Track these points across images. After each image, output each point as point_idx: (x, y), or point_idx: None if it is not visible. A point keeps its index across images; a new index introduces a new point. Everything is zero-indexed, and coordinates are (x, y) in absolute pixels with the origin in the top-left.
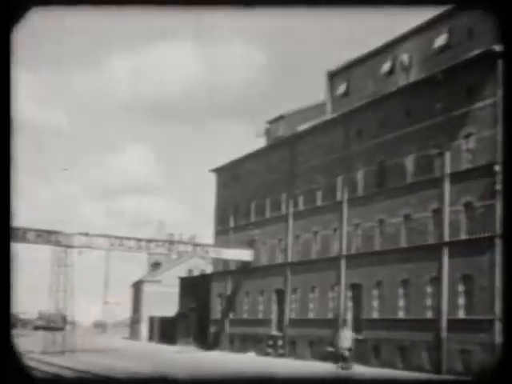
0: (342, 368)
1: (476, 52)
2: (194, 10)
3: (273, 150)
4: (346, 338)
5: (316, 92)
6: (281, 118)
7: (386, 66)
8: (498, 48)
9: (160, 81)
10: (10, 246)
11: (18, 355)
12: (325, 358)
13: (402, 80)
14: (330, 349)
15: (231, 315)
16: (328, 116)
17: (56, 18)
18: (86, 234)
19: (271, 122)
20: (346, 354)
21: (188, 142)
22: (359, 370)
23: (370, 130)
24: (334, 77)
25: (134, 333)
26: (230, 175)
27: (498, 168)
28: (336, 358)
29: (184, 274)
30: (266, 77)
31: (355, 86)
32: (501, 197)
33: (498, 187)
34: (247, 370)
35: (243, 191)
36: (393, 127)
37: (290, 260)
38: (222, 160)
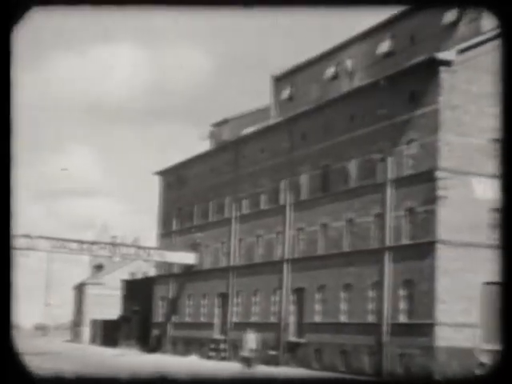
0: (246, 367)
1: (419, 59)
2: (140, 10)
3: (217, 153)
4: (251, 340)
5: (261, 96)
6: (225, 121)
7: (330, 71)
8: (440, 55)
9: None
10: (11, 249)
11: (17, 355)
12: (267, 361)
13: (345, 85)
14: (272, 352)
15: (174, 318)
16: (272, 120)
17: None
18: (28, 236)
19: (216, 125)
20: (251, 355)
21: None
22: (302, 372)
23: (315, 135)
24: (278, 81)
25: (76, 336)
26: (174, 178)
27: (438, 174)
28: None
29: (127, 277)
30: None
31: (300, 90)
32: (441, 202)
33: (439, 193)
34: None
35: (187, 194)
36: (337, 132)
37: (233, 263)
38: (166, 163)
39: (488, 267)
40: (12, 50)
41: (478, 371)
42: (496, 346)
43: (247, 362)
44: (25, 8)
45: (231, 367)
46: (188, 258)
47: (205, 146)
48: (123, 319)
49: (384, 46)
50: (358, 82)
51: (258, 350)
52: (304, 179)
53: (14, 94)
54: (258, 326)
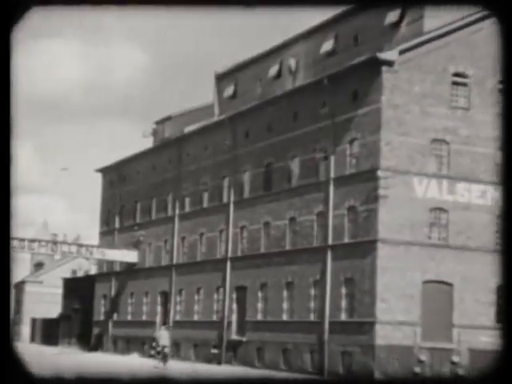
0: (160, 362)
1: (361, 58)
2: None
3: (160, 150)
4: (164, 336)
5: (204, 93)
6: (168, 118)
7: (274, 70)
8: (382, 55)
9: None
10: (10, 248)
11: (17, 355)
12: (209, 359)
13: (289, 84)
14: (214, 350)
15: (115, 317)
16: (215, 118)
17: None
18: None
19: (158, 123)
20: (165, 350)
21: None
22: (246, 371)
23: (257, 133)
24: (221, 79)
25: (15, 334)
26: (116, 175)
27: (380, 173)
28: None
29: (68, 275)
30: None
31: (243, 88)
32: (382, 201)
33: (380, 192)
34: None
35: (129, 192)
36: (280, 130)
37: (175, 262)
38: (109, 160)
39: (428, 266)
40: (12, 50)
41: (417, 369)
42: (434, 344)
43: (161, 357)
44: (25, 8)
45: (175, 366)
46: (130, 256)
47: (148, 143)
48: (64, 317)
49: (327, 45)
50: (301, 80)
51: (170, 346)
52: (247, 177)
53: (13, 94)
54: (201, 325)
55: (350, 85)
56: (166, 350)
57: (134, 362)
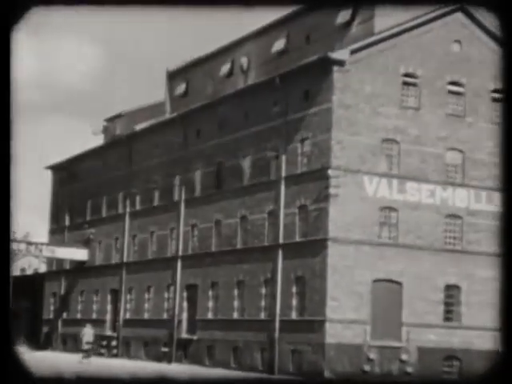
0: (83, 358)
1: (312, 58)
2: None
3: (110, 148)
4: (88, 334)
5: (156, 91)
6: (119, 116)
7: (225, 68)
8: (333, 55)
9: None
10: (9, 245)
11: (17, 355)
12: (159, 358)
13: (240, 82)
14: (165, 349)
15: (64, 315)
16: (167, 116)
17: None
18: None
19: (109, 120)
20: (87, 347)
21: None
22: (195, 370)
23: (209, 131)
24: (173, 77)
25: None
26: (66, 173)
27: (330, 172)
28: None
29: (17, 273)
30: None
31: (194, 86)
32: (333, 200)
33: (331, 191)
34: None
35: (79, 189)
36: (231, 129)
37: (125, 260)
38: (59, 157)
39: (377, 264)
40: (12, 50)
41: (366, 367)
42: (383, 342)
43: (85, 353)
44: (25, 8)
45: (122, 364)
46: (80, 254)
47: (98, 140)
48: (12, 316)
49: (279, 44)
50: (252, 79)
51: (94, 343)
52: (198, 176)
53: (13, 94)
54: (151, 323)
55: (302, 84)
56: (89, 347)
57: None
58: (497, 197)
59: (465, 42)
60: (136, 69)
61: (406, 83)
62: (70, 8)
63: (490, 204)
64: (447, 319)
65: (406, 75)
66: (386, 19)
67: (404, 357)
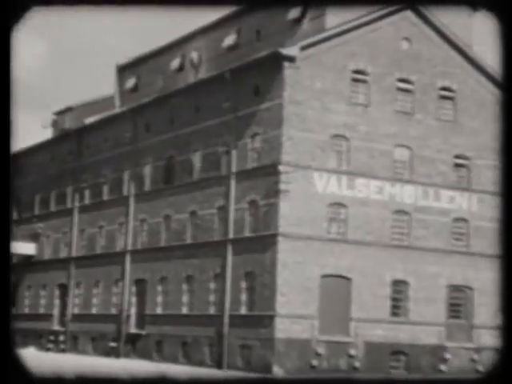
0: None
1: (263, 53)
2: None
3: (59, 141)
4: None
5: (106, 85)
6: (68, 109)
7: (176, 63)
8: (283, 51)
9: None
10: (10, 246)
11: (17, 355)
12: (107, 353)
13: (191, 77)
14: (113, 344)
15: (12, 310)
16: (117, 110)
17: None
18: None
19: (58, 114)
20: None
21: None
22: (143, 364)
23: (159, 126)
24: (123, 71)
25: None
26: (13, 167)
27: (281, 168)
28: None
29: None
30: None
31: (144, 81)
32: (283, 196)
33: (281, 186)
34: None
35: (27, 183)
36: (181, 123)
37: (74, 254)
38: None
39: (327, 260)
40: (12, 50)
41: (314, 362)
42: (332, 337)
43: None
44: (25, 8)
45: (69, 359)
46: (28, 248)
47: (47, 134)
48: None
49: (229, 40)
50: (203, 74)
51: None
52: (148, 170)
53: (13, 94)
54: (99, 318)
55: (253, 79)
56: None
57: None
58: (444, 193)
59: (414, 40)
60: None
61: (355, 80)
62: (71, 8)
63: (437, 200)
64: (394, 314)
65: (356, 72)
66: (336, 16)
67: (352, 352)
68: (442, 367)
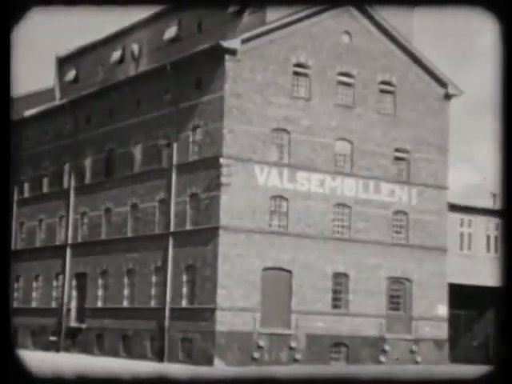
0: None
1: (204, 46)
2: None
3: None
4: None
5: (45, 77)
6: None
7: (116, 55)
8: (225, 43)
9: None
10: (9, 246)
11: (17, 355)
12: (47, 347)
13: (132, 69)
14: (53, 338)
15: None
16: (57, 102)
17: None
18: None
19: None
20: None
21: None
22: (83, 357)
23: (100, 118)
24: (63, 63)
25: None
26: None
27: (222, 161)
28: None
29: None
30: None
31: (85, 73)
32: (224, 189)
33: (222, 179)
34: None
35: None
36: (122, 116)
37: (12, 248)
38: None
39: (268, 253)
40: (12, 50)
41: (256, 354)
42: (273, 330)
43: None
44: (25, 8)
45: None
46: None
47: None
48: None
49: (170, 32)
50: (144, 66)
51: None
52: (88, 163)
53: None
54: (39, 312)
55: (194, 72)
56: None
57: None
58: (384, 186)
59: (355, 34)
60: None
61: (296, 73)
62: (71, 8)
63: (377, 193)
64: (335, 307)
65: (297, 65)
66: (277, 9)
67: (293, 344)
68: (382, 358)
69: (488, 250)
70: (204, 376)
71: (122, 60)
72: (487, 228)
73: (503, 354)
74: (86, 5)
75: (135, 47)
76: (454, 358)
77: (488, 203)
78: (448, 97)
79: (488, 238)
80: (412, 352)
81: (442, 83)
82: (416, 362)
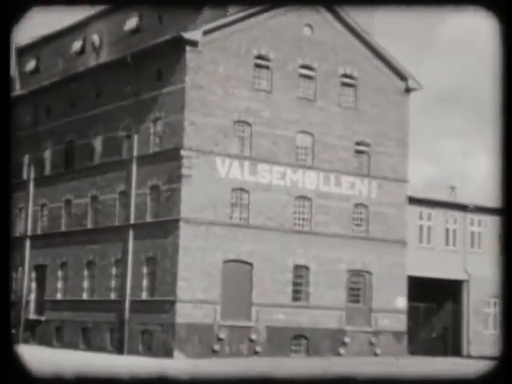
0: None
1: (165, 37)
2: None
3: None
4: None
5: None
6: None
7: (77, 46)
8: (186, 35)
9: None
10: (10, 246)
11: (17, 355)
12: None
13: (92, 60)
14: (11, 330)
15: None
16: (17, 92)
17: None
18: None
19: None
20: None
21: None
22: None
23: (60, 109)
24: (23, 53)
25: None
26: None
27: (183, 153)
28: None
29: None
30: None
31: (45, 63)
32: (185, 181)
33: (183, 171)
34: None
35: None
36: (83, 107)
37: None
38: None
39: (229, 245)
40: (12, 50)
41: (216, 347)
42: (233, 322)
43: None
44: (25, 8)
45: None
46: None
47: None
48: None
49: (131, 23)
50: (105, 57)
51: None
52: (48, 154)
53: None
54: None
55: (155, 64)
56: None
57: None
58: (344, 179)
59: (316, 27)
60: None
61: (258, 65)
62: (71, 8)
63: (338, 186)
64: (296, 299)
65: (259, 57)
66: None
67: (253, 336)
68: (342, 351)
69: (447, 243)
70: (204, 376)
71: (82, 51)
72: (446, 221)
73: (503, 354)
74: (85, 5)
75: (96, 38)
76: (413, 350)
77: (447, 197)
78: (408, 91)
79: (447, 231)
80: (371, 344)
81: (402, 77)
82: (375, 354)
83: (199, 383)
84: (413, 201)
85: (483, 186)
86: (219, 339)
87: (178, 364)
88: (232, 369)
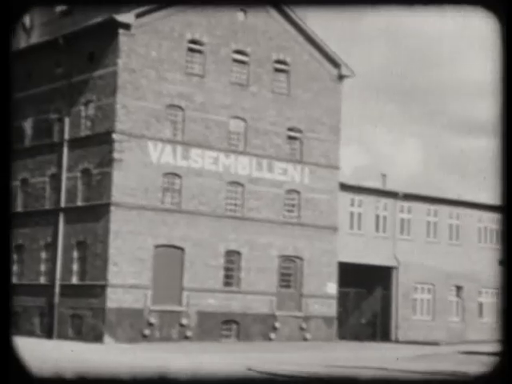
0: None
1: (97, 20)
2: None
3: None
4: None
5: None
6: None
7: None
8: (119, 18)
9: None
10: (10, 244)
11: (17, 355)
12: None
13: (23, 42)
14: None
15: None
16: None
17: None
18: None
19: None
20: None
21: None
22: None
23: None
24: None
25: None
26: None
27: (114, 136)
28: None
29: None
30: None
31: None
32: (117, 165)
33: (115, 155)
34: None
35: None
36: (13, 89)
37: None
38: None
39: (160, 230)
40: (12, 50)
41: (146, 331)
42: (164, 307)
43: None
44: (25, 8)
45: None
46: None
47: None
48: None
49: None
50: (35, 39)
51: None
52: None
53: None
54: None
55: (87, 46)
56: None
57: None
58: (277, 165)
59: (250, 12)
60: None
61: (191, 50)
62: (70, 8)
63: (270, 172)
64: (227, 284)
65: (192, 42)
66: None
67: (184, 321)
68: (272, 335)
69: (377, 229)
70: (204, 376)
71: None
72: (376, 208)
73: (503, 354)
74: (84, 5)
75: (26, 19)
76: (342, 335)
77: (377, 184)
78: (341, 77)
79: (377, 217)
80: (302, 329)
81: (335, 64)
82: (305, 339)
83: (199, 383)
84: (344, 187)
85: (413, 174)
86: (150, 324)
87: (107, 348)
88: (162, 354)
